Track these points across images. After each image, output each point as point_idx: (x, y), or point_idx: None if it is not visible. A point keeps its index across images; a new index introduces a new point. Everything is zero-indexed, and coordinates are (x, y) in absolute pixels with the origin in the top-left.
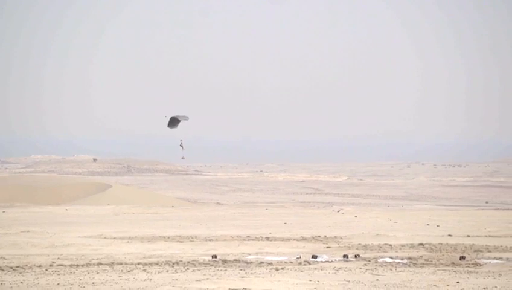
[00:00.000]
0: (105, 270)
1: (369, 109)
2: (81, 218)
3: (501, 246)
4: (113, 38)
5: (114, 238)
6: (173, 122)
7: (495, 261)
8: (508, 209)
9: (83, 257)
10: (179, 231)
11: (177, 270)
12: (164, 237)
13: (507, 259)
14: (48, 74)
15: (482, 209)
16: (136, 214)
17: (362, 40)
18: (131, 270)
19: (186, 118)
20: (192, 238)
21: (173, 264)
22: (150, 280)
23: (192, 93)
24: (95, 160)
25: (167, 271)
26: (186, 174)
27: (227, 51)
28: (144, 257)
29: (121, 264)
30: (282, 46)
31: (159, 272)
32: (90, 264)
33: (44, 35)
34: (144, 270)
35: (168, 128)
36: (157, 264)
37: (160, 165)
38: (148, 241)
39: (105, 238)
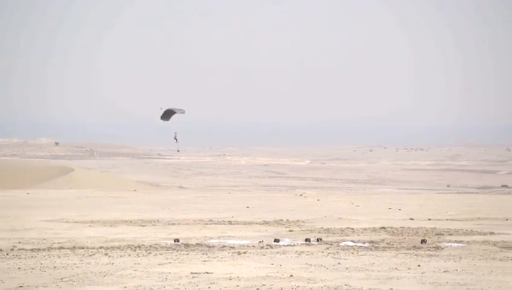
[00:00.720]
0: (66, 254)
1: (342, 94)
2: (43, 202)
3: (462, 229)
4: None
5: (76, 222)
6: (167, 114)
7: (456, 244)
8: (469, 192)
9: (44, 241)
10: (141, 215)
11: (139, 255)
12: (126, 221)
13: (468, 242)
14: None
15: (444, 193)
16: (98, 197)
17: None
18: (93, 255)
19: (182, 111)
20: (154, 222)
21: (135, 248)
22: (112, 264)
23: (157, 74)
24: (57, 143)
25: (129, 255)
26: (149, 158)
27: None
28: (105, 241)
29: (83, 248)
30: (262, 27)
31: (120, 256)
32: (52, 248)
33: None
34: (106, 254)
35: (161, 121)
36: (119, 248)
37: (123, 149)
38: (110, 225)
39: (67, 222)
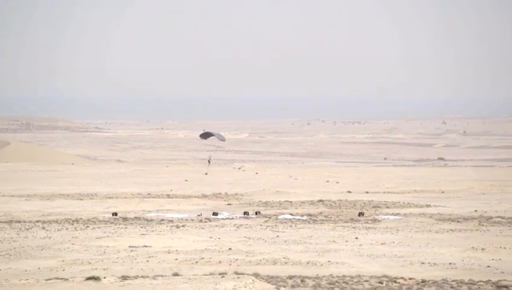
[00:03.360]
0: (3, 228)
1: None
2: None
3: (399, 202)
4: None
5: (12, 195)
6: (206, 135)
7: (393, 217)
8: (406, 165)
9: None
10: (78, 189)
11: (77, 228)
12: (64, 195)
13: (404, 215)
14: None
15: (381, 166)
16: (35, 171)
17: None
18: (30, 228)
19: (222, 138)
20: (92, 195)
21: (73, 222)
22: (49, 237)
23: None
24: None
25: (67, 229)
26: (86, 131)
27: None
28: (42, 215)
29: (20, 222)
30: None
31: (58, 230)
32: None
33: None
34: (43, 228)
35: (199, 137)
36: (56, 222)
37: (59, 122)
38: (48, 199)
39: (3, 195)
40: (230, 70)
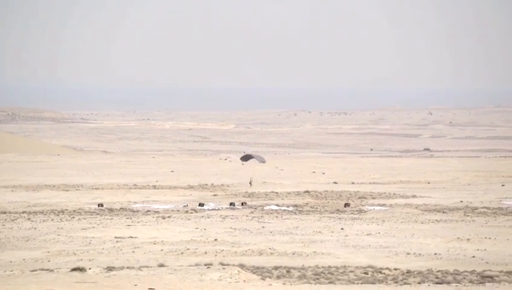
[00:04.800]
0: None
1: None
2: None
3: (384, 193)
4: None
5: None
6: (247, 157)
7: (379, 207)
8: (392, 156)
9: None
10: (64, 180)
11: (63, 219)
12: (49, 186)
13: (390, 206)
14: None
15: (367, 157)
16: (21, 162)
17: None
18: (16, 219)
19: (262, 160)
20: (78, 186)
21: (58, 213)
22: (35, 228)
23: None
24: None
25: (52, 220)
26: (73, 122)
27: None
28: (28, 206)
29: (5, 213)
30: None
31: (44, 221)
32: None
33: None
34: (29, 219)
35: (240, 160)
36: (42, 213)
37: (45, 113)
38: (33, 190)
39: None
40: (218, 60)
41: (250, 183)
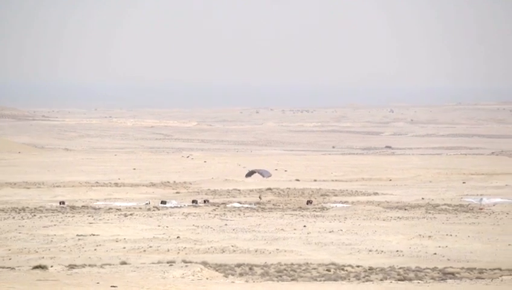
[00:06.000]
0: None
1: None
2: None
3: (346, 190)
4: None
5: None
6: (251, 173)
7: (341, 205)
8: (354, 153)
9: None
10: (25, 177)
11: (24, 217)
12: (10, 183)
13: (352, 203)
14: None
15: (329, 154)
16: None
17: None
18: None
19: (268, 174)
20: (39, 184)
21: (19, 210)
22: None
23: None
24: None
25: (13, 218)
26: (33, 119)
27: None
28: None
29: None
30: None
31: (4, 219)
32: None
33: None
34: None
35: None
36: (2, 210)
37: (5, 111)
38: None
39: None
40: (218, 60)
41: (259, 197)
